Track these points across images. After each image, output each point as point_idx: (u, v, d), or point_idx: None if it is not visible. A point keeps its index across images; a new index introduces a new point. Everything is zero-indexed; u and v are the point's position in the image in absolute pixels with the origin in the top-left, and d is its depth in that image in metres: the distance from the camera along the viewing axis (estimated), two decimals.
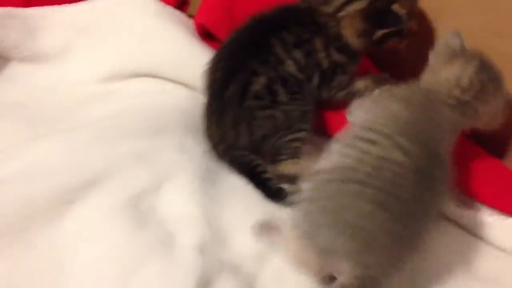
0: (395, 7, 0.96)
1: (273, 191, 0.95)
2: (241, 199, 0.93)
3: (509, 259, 0.88)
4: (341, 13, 0.99)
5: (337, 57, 1.00)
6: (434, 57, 0.91)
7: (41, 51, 1.20)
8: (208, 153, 1.00)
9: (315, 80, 1.00)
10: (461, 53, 0.88)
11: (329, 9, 1.00)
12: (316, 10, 1.01)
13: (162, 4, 1.22)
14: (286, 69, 0.97)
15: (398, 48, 1.02)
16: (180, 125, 1.02)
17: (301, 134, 0.98)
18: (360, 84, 1.06)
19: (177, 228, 0.83)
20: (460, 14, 1.03)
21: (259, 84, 0.96)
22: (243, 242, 0.84)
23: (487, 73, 0.87)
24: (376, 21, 0.98)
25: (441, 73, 0.88)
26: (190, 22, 1.21)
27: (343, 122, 1.05)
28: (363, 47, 1.00)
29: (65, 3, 1.26)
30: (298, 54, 0.98)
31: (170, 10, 1.21)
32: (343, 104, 1.04)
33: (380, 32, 0.98)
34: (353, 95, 1.05)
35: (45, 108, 1.09)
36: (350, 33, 0.99)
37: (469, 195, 0.95)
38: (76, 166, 0.87)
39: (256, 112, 0.97)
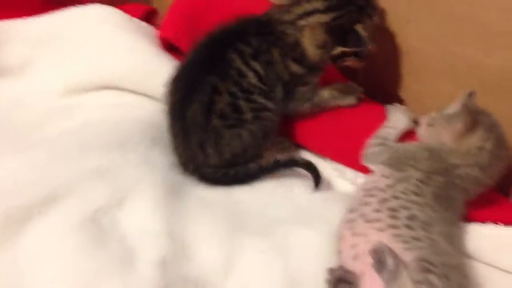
0: (358, 27, 0.97)
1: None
2: (208, 211, 0.91)
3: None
4: (302, 22, 0.99)
5: (294, 68, 1.00)
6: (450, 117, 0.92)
7: (3, 65, 1.18)
8: (175, 165, 0.99)
9: (279, 92, 1.00)
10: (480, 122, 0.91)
11: (290, 16, 1.00)
12: (276, 19, 1.01)
13: (127, 16, 1.21)
14: (248, 82, 0.97)
15: (354, 68, 1.03)
16: (145, 138, 1.01)
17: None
18: (325, 94, 1.06)
19: (139, 243, 0.80)
20: (424, 22, 1.04)
21: (222, 102, 0.95)
22: (208, 255, 0.82)
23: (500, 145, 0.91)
24: (337, 37, 0.98)
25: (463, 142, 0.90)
26: (157, 34, 1.20)
27: (310, 131, 1.08)
28: (319, 59, 1.00)
29: (29, 15, 1.24)
30: (257, 65, 0.97)
31: (135, 22, 1.21)
32: (310, 114, 1.06)
33: (339, 49, 0.99)
34: (319, 106, 1.06)
35: (8, 123, 1.06)
36: (309, 43, 0.99)
37: None
38: (35, 183, 0.84)
39: (223, 132, 0.96)
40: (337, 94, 1.07)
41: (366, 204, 0.84)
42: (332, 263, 0.82)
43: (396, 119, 1.02)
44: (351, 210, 0.85)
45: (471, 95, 0.89)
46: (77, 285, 0.71)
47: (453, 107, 0.93)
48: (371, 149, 0.97)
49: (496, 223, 0.91)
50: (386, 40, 1.07)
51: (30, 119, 1.08)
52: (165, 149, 1.00)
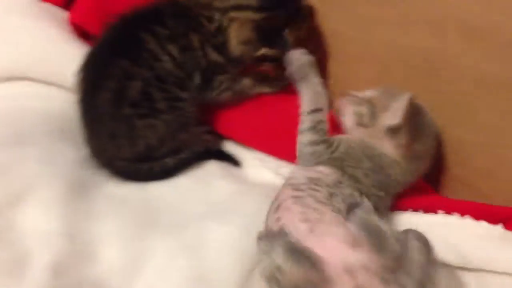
0: (286, 33, 0.94)
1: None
2: (118, 208, 0.86)
3: None
4: (233, 14, 0.94)
5: (214, 56, 0.95)
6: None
7: None
8: (85, 160, 0.92)
9: (196, 79, 0.94)
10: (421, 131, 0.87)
11: (222, 4, 0.95)
12: (202, 4, 0.95)
13: (35, 1, 1.12)
14: (163, 66, 0.91)
15: (268, 72, 0.99)
16: (52, 131, 0.94)
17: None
18: (247, 82, 1.01)
19: (34, 245, 0.74)
20: (344, 5, 1.01)
21: (134, 89, 0.89)
22: (112, 256, 0.77)
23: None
24: (263, 38, 0.94)
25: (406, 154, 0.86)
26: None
27: (233, 120, 1.04)
28: (239, 55, 0.95)
29: None
30: (173, 49, 0.91)
31: (44, 6, 1.12)
32: (231, 103, 1.01)
33: (263, 50, 0.95)
34: (241, 95, 1.01)
35: None
36: (235, 36, 0.94)
37: None
38: None
39: (135, 121, 0.90)
40: (259, 82, 1.02)
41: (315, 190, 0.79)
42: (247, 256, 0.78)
43: (314, 94, 0.91)
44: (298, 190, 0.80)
45: (411, 101, 0.84)
46: None
47: (382, 100, 0.88)
48: (306, 149, 0.87)
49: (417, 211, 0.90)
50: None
51: None
52: (76, 143, 0.93)
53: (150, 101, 0.90)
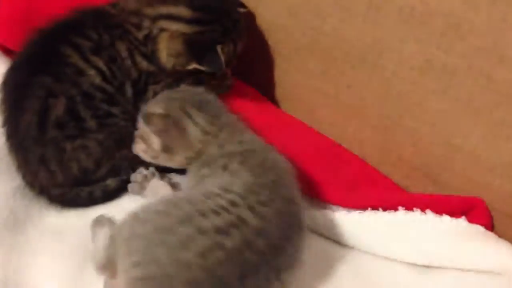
0: (219, 48, 0.87)
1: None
2: (56, 243, 0.79)
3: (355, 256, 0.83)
4: (163, 24, 0.87)
5: (144, 65, 0.88)
6: None
7: None
8: (21, 190, 0.85)
9: (128, 92, 0.88)
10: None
11: (153, 11, 0.88)
12: (129, 10, 0.88)
13: None
14: (89, 81, 0.84)
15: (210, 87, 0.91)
16: None
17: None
18: None
19: None
20: None
21: (58, 108, 0.82)
22: None
23: None
24: (194, 53, 0.87)
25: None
26: None
27: None
28: (170, 67, 0.88)
29: None
30: (98, 61, 0.84)
31: None
32: None
33: (192, 65, 0.87)
34: None
35: None
36: (164, 47, 0.88)
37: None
38: None
39: (63, 144, 0.83)
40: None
41: None
42: None
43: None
44: None
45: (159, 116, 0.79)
46: None
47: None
48: None
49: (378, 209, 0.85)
50: (246, 19, 0.97)
51: None
52: (6, 173, 0.86)
53: (77, 121, 0.83)
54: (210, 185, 0.71)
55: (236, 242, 0.63)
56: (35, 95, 0.82)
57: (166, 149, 0.80)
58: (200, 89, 0.85)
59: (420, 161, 0.90)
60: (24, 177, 0.85)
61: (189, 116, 0.79)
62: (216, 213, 0.65)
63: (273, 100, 1.06)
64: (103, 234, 0.71)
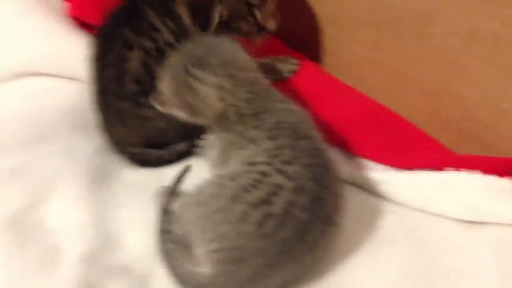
0: (218, 8, 0.91)
1: None
2: (137, 196, 0.89)
3: (404, 213, 0.89)
4: None
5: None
6: None
7: None
8: (101, 149, 0.95)
9: None
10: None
11: None
12: None
13: None
14: (163, 38, 0.90)
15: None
16: (66, 125, 0.98)
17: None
18: None
19: (64, 239, 0.79)
20: None
21: (134, 61, 0.89)
22: (136, 242, 0.82)
23: None
24: (196, 15, 0.92)
25: None
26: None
27: None
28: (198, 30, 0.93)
29: None
30: (169, 22, 0.91)
31: (43, 2, 1.14)
32: None
33: (214, 22, 0.92)
34: None
35: None
36: (183, 12, 0.93)
37: (354, 152, 0.95)
38: None
39: (141, 100, 0.90)
40: (260, 67, 1.00)
41: None
42: None
43: None
44: None
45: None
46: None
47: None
48: None
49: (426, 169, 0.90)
50: None
51: None
52: (90, 133, 0.96)
53: (152, 78, 0.88)
54: (239, 163, 0.76)
55: (280, 207, 0.70)
56: (115, 48, 0.89)
57: (194, 113, 0.81)
58: (213, 41, 0.83)
59: (467, 125, 0.95)
60: (106, 136, 0.94)
61: (195, 77, 0.78)
62: (255, 186, 0.71)
63: (324, 68, 1.13)
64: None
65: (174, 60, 0.82)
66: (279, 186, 0.71)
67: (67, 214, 0.84)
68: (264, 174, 0.72)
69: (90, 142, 0.96)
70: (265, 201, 0.70)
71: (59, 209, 0.84)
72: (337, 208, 0.76)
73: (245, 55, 0.82)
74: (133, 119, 0.91)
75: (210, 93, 0.78)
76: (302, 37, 1.13)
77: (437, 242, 0.85)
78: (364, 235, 0.85)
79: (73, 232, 0.81)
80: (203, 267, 0.74)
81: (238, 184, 0.72)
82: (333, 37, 1.09)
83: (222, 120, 0.80)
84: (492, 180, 0.86)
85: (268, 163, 0.73)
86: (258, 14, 0.95)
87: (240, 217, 0.70)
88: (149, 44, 0.89)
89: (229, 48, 0.82)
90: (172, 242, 0.78)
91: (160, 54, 0.89)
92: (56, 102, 1.02)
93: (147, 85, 0.89)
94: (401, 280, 0.79)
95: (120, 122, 0.92)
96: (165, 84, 0.81)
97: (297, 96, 0.97)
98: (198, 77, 0.78)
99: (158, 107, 0.83)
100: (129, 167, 0.95)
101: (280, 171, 0.72)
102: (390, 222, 0.87)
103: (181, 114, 0.82)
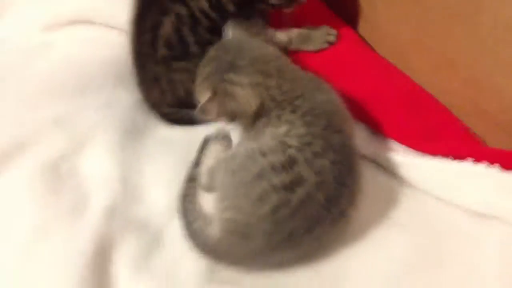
0: None
1: None
2: (166, 153, 0.95)
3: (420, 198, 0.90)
4: None
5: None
6: None
7: None
8: (139, 104, 1.00)
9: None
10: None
11: None
12: None
13: None
14: (199, 6, 0.92)
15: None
16: (109, 78, 1.03)
17: None
18: (281, 36, 1.02)
19: (93, 189, 0.86)
20: None
21: (167, 26, 0.92)
22: (157, 198, 0.88)
23: None
24: None
25: None
26: None
27: None
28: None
29: None
30: None
31: None
32: None
33: None
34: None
35: None
36: None
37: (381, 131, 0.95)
38: (2, 132, 0.91)
39: (172, 63, 0.94)
40: (296, 37, 1.02)
41: None
42: None
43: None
44: None
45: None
46: (30, 234, 0.79)
47: None
48: None
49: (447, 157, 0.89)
50: None
51: (13, 59, 1.11)
52: (131, 86, 1.00)
53: (183, 44, 0.92)
54: (271, 137, 0.78)
55: (298, 199, 0.73)
56: (152, 13, 0.92)
57: (234, 118, 0.85)
58: (240, 37, 0.88)
59: (503, 118, 0.91)
60: (141, 92, 0.99)
61: (231, 82, 0.81)
62: (281, 169, 0.73)
63: (367, 42, 1.10)
64: (210, 158, 0.87)
65: (205, 69, 0.84)
66: (303, 178, 0.74)
67: (99, 165, 0.91)
68: (293, 160, 0.75)
69: (130, 96, 1.01)
70: (287, 187, 0.73)
71: (93, 160, 0.91)
72: (352, 203, 0.78)
73: (267, 46, 0.86)
74: (166, 81, 0.96)
75: (247, 92, 0.81)
76: (345, 5, 1.11)
77: (447, 231, 0.86)
78: (377, 216, 0.87)
79: (102, 183, 0.88)
80: (213, 228, 0.80)
81: (268, 162, 0.75)
82: (379, 12, 1.05)
83: (261, 112, 0.82)
84: (508, 176, 0.84)
85: (299, 149, 0.75)
86: None
87: (259, 197, 0.74)
88: (183, 10, 0.92)
89: (252, 45, 0.85)
90: (191, 203, 0.85)
91: (194, 21, 0.91)
92: (101, 52, 1.07)
93: (178, 50, 0.93)
94: (408, 264, 0.81)
95: (154, 84, 0.96)
96: (202, 94, 0.83)
97: (330, 69, 0.98)
98: (233, 80, 0.81)
99: (203, 117, 0.85)
100: (164, 124, 1.00)
101: (308, 162, 0.74)
102: (405, 205, 0.89)
103: (224, 119, 0.86)
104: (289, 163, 0.74)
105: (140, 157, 0.94)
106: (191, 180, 0.88)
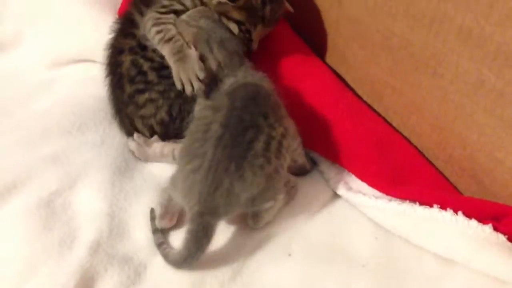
0: None
1: None
2: (153, 190, 1.00)
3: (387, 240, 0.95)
4: None
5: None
6: None
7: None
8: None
9: None
10: None
11: None
12: None
13: None
14: (141, 33, 1.01)
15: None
16: (105, 115, 1.11)
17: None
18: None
19: (82, 223, 0.93)
20: None
21: (126, 62, 1.00)
22: (141, 234, 0.93)
23: None
24: None
25: None
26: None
27: None
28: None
29: None
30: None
31: None
32: None
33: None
34: None
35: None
36: None
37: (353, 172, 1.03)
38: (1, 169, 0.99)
39: (138, 99, 1.01)
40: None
41: None
42: None
43: None
44: None
45: None
46: (22, 266, 0.86)
47: None
48: None
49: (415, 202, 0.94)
50: None
51: (16, 94, 1.22)
52: None
53: (142, 73, 1.00)
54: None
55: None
56: (112, 54, 1.03)
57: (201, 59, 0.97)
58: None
59: (467, 164, 0.97)
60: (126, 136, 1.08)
61: (211, 50, 0.96)
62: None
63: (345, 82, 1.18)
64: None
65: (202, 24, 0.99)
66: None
67: (89, 201, 0.97)
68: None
69: (120, 134, 1.09)
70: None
71: (84, 197, 0.98)
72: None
73: None
74: (139, 121, 1.04)
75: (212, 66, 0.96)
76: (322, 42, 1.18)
77: (411, 272, 0.90)
78: (339, 254, 0.92)
79: (91, 218, 0.94)
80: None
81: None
82: (355, 52, 1.12)
83: None
84: (473, 225, 0.88)
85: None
86: (257, 28, 1.03)
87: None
88: (133, 42, 1.01)
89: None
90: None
91: (141, 49, 1.01)
92: (98, 91, 1.13)
93: (139, 81, 1.01)
94: None
95: (131, 126, 1.05)
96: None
97: (307, 105, 1.07)
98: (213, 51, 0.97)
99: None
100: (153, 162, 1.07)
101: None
102: (370, 246, 0.94)
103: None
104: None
105: (127, 194, 1.00)
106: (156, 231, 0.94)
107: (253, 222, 0.94)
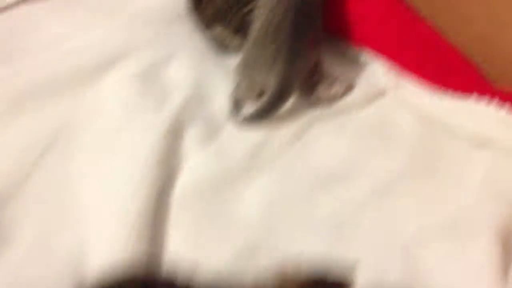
0: None
1: None
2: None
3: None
4: None
5: None
6: None
7: None
8: None
9: None
10: None
11: None
12: None
13: None
14: None
15: None
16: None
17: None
18: None
19: (173, 88, 1.13)
20: None
21: None
22: (220, 103, 1.12)
23: None
24: None
25: None
26: None
27: None
28: None
29: None
30: None
31: None
32: None
33: None
34: None
35: None
36: None
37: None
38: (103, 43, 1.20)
39: None
40: None
41: None
42: None
43: None
44: None
45: None
46: (124, 115, 1.07)
47: None
48: None
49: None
50: None
51: None
52: None
53: None
54: None
55: None
56: None
57: None
58: None
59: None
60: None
61: None
62: None
63: None
64: None
65: None
66: None
67: (181, 70, 1.17)
68: None
69: None
70: None
71: (175, 70, 1.18)
72: None
73: None
74: None
75: None
76: None
77: (444, 150, 1.05)
78: (385, 136, 1.08)
79: (181, 84, 1.14)
80: None
81: None
82: None
83: None
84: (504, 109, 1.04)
85: None
86: None
87: None
88: None
89: None
90: None
91: None
92: None
93: None
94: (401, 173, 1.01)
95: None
96: None
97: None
98: None
99: None
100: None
101: None
102: (411, 130, 1.09)
103: None
104: None
105: (210, 70, 1.19)
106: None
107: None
